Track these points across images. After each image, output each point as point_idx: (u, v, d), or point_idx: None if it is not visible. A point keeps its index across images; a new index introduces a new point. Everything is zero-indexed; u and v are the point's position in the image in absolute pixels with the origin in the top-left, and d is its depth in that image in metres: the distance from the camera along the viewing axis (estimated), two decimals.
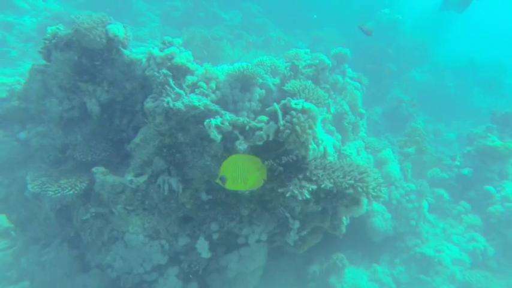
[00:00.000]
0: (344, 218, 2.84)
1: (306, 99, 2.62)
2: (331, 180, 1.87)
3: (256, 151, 2.23)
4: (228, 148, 2.54)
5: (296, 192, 1.84)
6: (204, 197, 2.72)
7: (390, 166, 3.81)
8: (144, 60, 2.63)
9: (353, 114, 3.97)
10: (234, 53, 8.09)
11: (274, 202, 2.68)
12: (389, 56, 9.16)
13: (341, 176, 1.90)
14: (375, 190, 1.92)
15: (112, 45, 2.72)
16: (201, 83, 2.51)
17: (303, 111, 1.74)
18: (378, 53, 9.01)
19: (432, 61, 9.54)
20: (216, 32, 8.68)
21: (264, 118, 2.24)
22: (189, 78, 2.55)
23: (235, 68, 2.54)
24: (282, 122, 1.72)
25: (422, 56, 9.33)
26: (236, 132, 2.02)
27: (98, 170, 2.69)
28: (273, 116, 1.80)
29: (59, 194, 2.76)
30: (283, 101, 1.81)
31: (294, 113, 1.70)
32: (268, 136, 1.85)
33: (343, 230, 2.80)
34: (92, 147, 2.86)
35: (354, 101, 4.07)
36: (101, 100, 2.92)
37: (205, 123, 2.07)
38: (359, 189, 1.89)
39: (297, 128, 1.69)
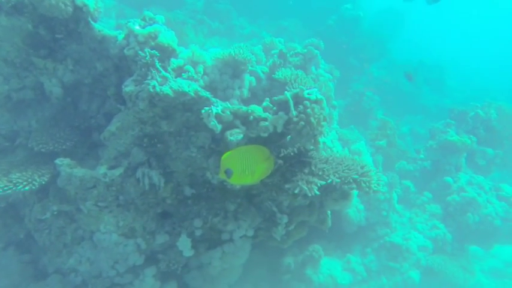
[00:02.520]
0: (329, 211, 2.84)
1: None
2: (336, 175, 1.81)
3: (250, 143, 2.08)
4: (216, 139, 2.35)
5: (305, 188, 1.75)
6: (188, 191, 2.51)
7: (364, 158, 3.90)
8: (120, 37, 2.31)
9: (327, 106, 3.99)
10: (197, 39, 7.73)
11: (262, 196, 2.57)
12: (349, 50, 9.46)
13: (346, 171, 1.85)
14: (377, 185, 1.90)
15: (80, 16, 2.34)
16: (188, 67, 2.28)
17: (317, 101, 1.64)
18: (340, 47, 9.25)
19: (388, 58, 10.05)
20: (177, 15, 8.19)
21: (256, 108, 2.09)
22: (174, 61, 2.30)
23: (225, 53, 2.35)
24: (294, 112, 1.60)
25: (380, 53, 9.79)
26: (237, 122, 1.85)
27: (63, 162, 2.33)
28: (282, 106, 1.67)
29: (9, 191, 2.34)
30: (294, 90, 1.69)
31: (307, 103, 1.59)
32: (275, 127, 1.72)
33: (329, 223, 2.80)
34: (52, 136, 2.47)
35: (328, 93, 4.08)
36: (63, 81, 2.52)
37: (203, 111, 1.86)
38: (362, 184, 1.85)
39: (312, 119, 1.58)
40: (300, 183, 1.76)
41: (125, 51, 2.20)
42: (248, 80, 2.46)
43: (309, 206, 2.67)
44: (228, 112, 1.82)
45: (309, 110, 1.58)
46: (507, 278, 4.61)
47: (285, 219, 2.58)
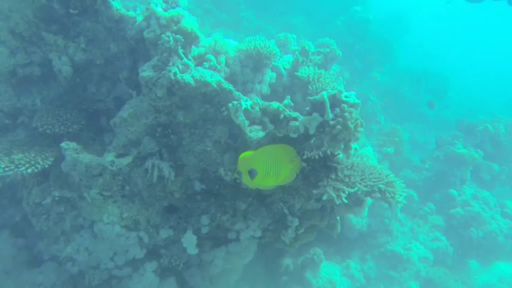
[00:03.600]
0: (338, 217, 2.76)
1: (320, 91, 2.42)
2: (363, 183, 1.72)
3: (271, 142, 1.98)
4: (234, 135, 2.24)
5: (334, 195, 1.65)
6: (198, 186, 2.40)
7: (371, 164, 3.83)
8: (139, 18, 2.17)
9: None
10: (203, 29, 7.54)
11: (274, 197, 2.47)
12: (356, 52, 9.37)
13: (373, 179, 1.76)
14: (401, 196, 1.82)
15: None
16: (210, 56, 2.16)
17: (354, 105, 1.54)
18: (347, 49, 9.15)
19: (393, 64, 10.00)
20: (184, 2, 7.98)
21: (277, 105, 1.98)
22: (195, 49, 2.17)
23: (249, 44, 2.22)
24: (331, 115, 1.50)
25: (385, 58, 9.73)
26: (266, 119, 1.74)
27: (69, 146, 2.19)
28: (317, 107, 1.56)
29: (10, 172, 2.19)
30: (331, 91, 1.58)
31: (345, 106, 1.49)
32: (307, 129, 1.61)
33: (339, 229, 2.72)
34: (59, 117, 2.33)
35: None
36: (74, 60, 2.37)
37: (230, 105, 1.75)
38: (387, 194, 1.77)
39: (349, 124, 1.48)
40: (328, 189, 1.67)
41: (145, 33, 2.06)
42: (269, 75, 2.35)
43: (321, 210, 2.59)
44: (258, 108, 1.71)
45: (346, 114, 1.48)
46: None
47: (296, 222, 2.49)
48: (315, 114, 1.54)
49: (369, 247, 3.94)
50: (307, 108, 1.65)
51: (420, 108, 10.28)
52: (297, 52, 2.68)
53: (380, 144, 4.15)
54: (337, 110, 1.50)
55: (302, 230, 2.60)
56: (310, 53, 2.71)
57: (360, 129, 1.52)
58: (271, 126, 1.72)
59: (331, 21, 10.04)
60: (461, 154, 4.07)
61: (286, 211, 2.52)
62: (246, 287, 3.67)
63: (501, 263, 4.30)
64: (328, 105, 1.51)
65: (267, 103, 1.76)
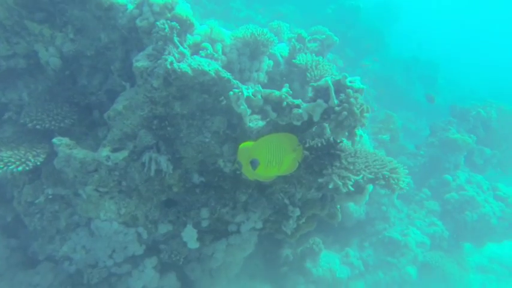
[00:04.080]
0: (338, 205, 2.75)
1: (319, 78, 2.38)
2: (368, 170, 1.69)
3: (272, 131, 1.93)
4: (233, 125, 2.19)
5: (340, 183, 1.62)
6: (196, 179, 2.34)
7: None
8: (131, 6, 2.07)
9: None
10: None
11: (274, 187, 2.44)
12: (347, 40, 9.32)
13: (377, 166, 1.74)
14: (404, 183, 1.80)
15: None
16: (206, 44, 2.08)
17: (359, 90, 1.50)
18: (339, 37, 9.09)
19: (383, 51, 9.99)
20: None
21: (279, 92, 1.92)
22: (190, 38, 2.09)
23: (246, 31, 2.15)
24: (336, 101, 1.46)
25: (376, 46, 9.70)
26: (268, 107, 1.69)
27: (62, 142, 2.11)
28: (321, 93, 1.52)
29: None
30: (336, 76, 1.54)
31: (350, 91, 1.45)
32: (311, 116, 1.57)
33: (340, 217, 2.71)
34: (49, 112, 2.23)
35: None
36: (63, 51, 2.26)
37: (231, 93, 1.68)
38: (391, 181, 1.75)
39: (355, 109, 1.45)
40: (334, 177, 1.64)
41: (137, 21, 1.97)
42: (267, 63, 2.29)
43: (321, 199, 2.57)
44: (260, 96, 1.65)
45: (352, 100, 1.44)
46: (491, 273, 4.75)
47: (297, 212, 2.47)
48: (319, 101, 1.49)
49: (367, 234, 3.97)
50: (309, 94, 1.61)
51: (411, 96, 10.34)
52: (293, 39, 2.62)
53: (375, 132, 4.15)
54: (342, 95, 1.46)
55: (303, 220, 2.58)
56: (306, 40, 2.65)
57: (366, 114, 1.49)
58: (273, 114, 1.67)
59: (322, 10, 9.94)
60: (455, 139, 4.11)
61: (287, 201, 2.49)
62: (246, 279, 3.66)
63: (492, 244, 4.40)
64: (333, 90, 1.47)
65: (269, 90, 1.71)
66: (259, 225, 2.51)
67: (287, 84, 1.99)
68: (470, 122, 4.62)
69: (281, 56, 2.43)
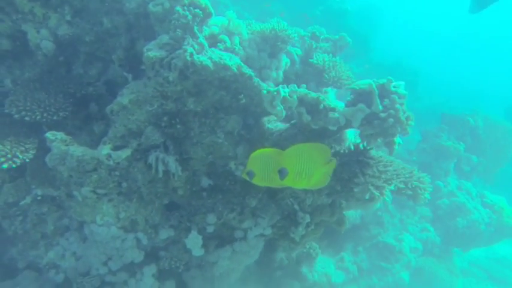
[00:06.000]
0: (344, 212, 2.68)
1: (337, 79, 2.28)
2: (398, 180, 1.61)
3: (297, 135, 1.81)
4: (249, 125, 2.04)
5: (377, 194, 1.52)
6: (205, 182, 2.17)
7: None
8: None
9: None
10: None
11: (285, 192, 2.32)
12: None
13: (406, 175, 1.66)
14: (428, 193, 1.74)
15: None
16: (224, 37, 1.92)
17: (403, 96, 1.40)
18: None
19: (367, 56, 10.13)
20: None
21: (316, 94, 1.75)
22: (206, 29, 1.92)
23: (266, 26, 2.01)
24: (380, 106, 1.35)
25: (361, 50, 9.82)
26: (302, 109, 1.55)
27: (56, 137, 1.86)
28: (363, 97, 1.41)
29: None
30: (380, 80, 1.43)
31: (396, 97, 1.35)
32: (349, 121, 1.45)
33: (347, 224, 2.64)
34: (40, 102, 1.97)
35: None
36: (58, 34, 2.01)
37: (265, 92, 1.53)
38: (419, 191, 1.68)
39: (401, 116, 1.35)
40: (370, 187, 1.54)
41: (150, 6, 1.77)
42: (285, 61, 2.16)
43: (331, 205, 2.48)
44: (295, 96, 1.51)
45: (398, 106, 1.34)
46: (471, 277, 4.90)
47: (308, 218, 2.36)
48: (361, 105, 1.38)
49: (361, 239, 3.94)
50: (348, 98, 1.50)
51: None
52: (307, 37, 2.51)
53: None
54: (387, 101, 1.36)
55: (312, 227, 2.48)
56: (320, 39, 2.55)
57: (410, 122, 1.40)
58: (307, 117, 1.54)
59: (310, 11, 9.92)
60: (447, 146, 4.19)
61: (296, 207, 2.38)
62: (238, 283, 3.51)
63: (476, 249, 4.54)
64: (377, 95, 1.36)
65: (304, 90, 1.58)
66: (268, 231, 2.38)
67: (304, 85, 1.87)
68: (459, 130, 4.74)
69: (297, 55, 2.31)
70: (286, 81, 2.32)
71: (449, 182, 4.29)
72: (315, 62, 2.22)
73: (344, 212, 2.69)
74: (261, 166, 1.51)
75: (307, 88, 1.88)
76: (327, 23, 9.81)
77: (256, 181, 1.55)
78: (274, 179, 1.49)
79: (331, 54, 2.34)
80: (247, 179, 1.55)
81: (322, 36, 2.61)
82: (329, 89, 2.41)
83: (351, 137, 2.15)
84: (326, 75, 2.20)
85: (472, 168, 4.66)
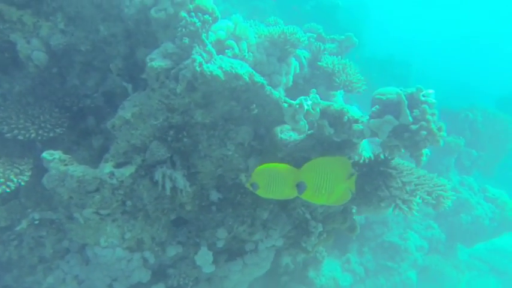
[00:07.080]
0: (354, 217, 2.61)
1: (348, 83, 2.19)
2: (423, 190, 1.54)
3: (315, 147, 1.71)
4: (260, 135, 1.93)
5: (406, 208, 1.44)
6: (214, 196, 2.06)
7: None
8: None
9: None
10: None
11: (296, 201, 2.23)
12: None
13: (430, 184, 1.59)
14: (450, 200, 1.68)
15: None
16: (231, 42, 1.80)
17: (433, 105, 1.32)
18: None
19: (359, 50, 10.07)
20: None
21: (340, 105, 1.65)
22: (212, 35, 1.80)
23: (275, 29, 1.90)
24: (410, 118, 1.26)
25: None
26: (325, 122, 1.45)
27: (54, 157, 1.72)
28: (390, 108, 1.31)
29: None
30: (409, 89, 1.35)
31: (426, 107, 1.26)
32: (374, 134, 1.36)
33: (358, 230, 2.57)
34: (34, 118, 1.81)
35: None
36: (50, 44, 1.85)
37: (286, 105, 1.42)
38: (442, 199, 1.61)
39: (433, 127, 1.26)
40: (398, 202, 1.46)
41: (152, 12, 1.63)
42: (294, 65, 2.05)
43: (343, 212, 2.40)
44: (318, 109, 1.41)
45: (429, 117, 1.26)
46: (474, 270, 4.94)
47: (320, 227, 2.28)
48: (388, 117, 1.29)
49: (366, 239, 3.90)
50: (373, 108, 1.40)
51: None
52: (312, 39, 2.41)
53: None
54: (416, 111, 1.28)
55: (324, 235, 2.40)
56: (326, 40, 2.45)
57: (442, 133, 1.32)
58: (330, 130, 1.45)
59: (301, 7, 9.79)
60: (448, 142, 4.16)
61: (308, 216, 2.30)
62: None
63: (480, 244, 4.56)
64: (406, 106, 1.28)
65: (327, 102, 1.48)
66: (280, 242, 2.30)
67: (314, 90, 1.77)
68: (459, 124, 4.73)
69: (304, 58, 2.21)
70: (294, 86, 2.22)
71: (451, 177, 4.27)
72: (324, 65, 2.13)
73: (354, 217, 2.63)
74: (266, 180, 1.48)
75: (316, 93, 1.78)
76: (317, 18, 9.71)
77: (260, 193, 1.53)
78: (280, 192, 1.47)
79: (340, 57, 2.24)
80: (251, 189, 1.53)
81: (327, 37, 2.51)
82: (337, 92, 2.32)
83: (365, 144, 2.08)
84: (337, 79, 2.11)
85: (472, 162, 4.67)
